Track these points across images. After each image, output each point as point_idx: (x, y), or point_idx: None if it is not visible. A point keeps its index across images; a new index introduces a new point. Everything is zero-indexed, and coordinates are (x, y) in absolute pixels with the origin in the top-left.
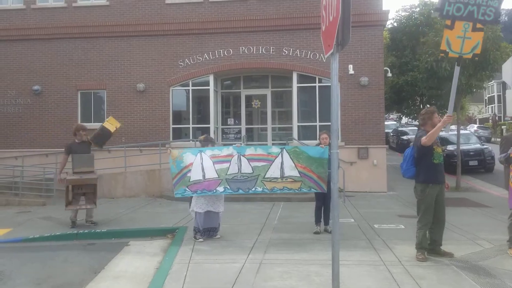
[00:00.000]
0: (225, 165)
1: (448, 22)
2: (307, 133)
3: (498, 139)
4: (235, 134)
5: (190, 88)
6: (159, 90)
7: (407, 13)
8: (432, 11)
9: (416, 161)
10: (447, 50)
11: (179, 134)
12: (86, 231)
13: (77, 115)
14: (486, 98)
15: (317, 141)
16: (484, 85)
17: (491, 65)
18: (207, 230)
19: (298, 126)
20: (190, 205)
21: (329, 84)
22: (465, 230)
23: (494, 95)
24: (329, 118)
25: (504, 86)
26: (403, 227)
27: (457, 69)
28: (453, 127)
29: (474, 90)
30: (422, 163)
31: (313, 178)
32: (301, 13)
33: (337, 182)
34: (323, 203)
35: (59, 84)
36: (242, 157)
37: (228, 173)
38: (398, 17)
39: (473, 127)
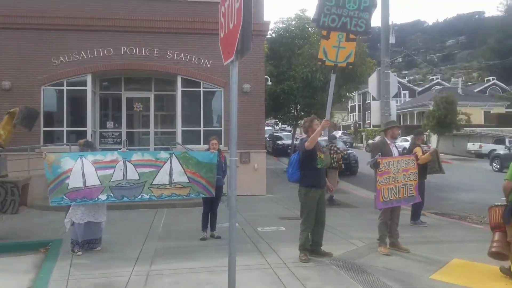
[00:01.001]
0: (109, 171)
1: (324, 33)
2: (191, 137)
3: (359, 144)
4: (114, 138)
5: (65, 88)
6: (28, 89)
7: (284, 25)
8: (307, 24)
9: (301, 165)
10: (324, 59)
11: (51, 138)
12: None
13: None
14: (349, 107)
15: (205, 146)
16: (350, 95)
17: (358, 77)
18: (87, 242)
19: (182, 130)
20: (66, 215)
21: (213, 90)
22: (339, 230)
23: (355, 105)
24: (213, 123)
25: (364, 96)
26: (284, 229)
27: (333, 77)
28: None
29: (343, 99)
30: (306, 168)
31: (202, 183)
32: (187, 17)
33: (235, 189)
34: (210, 208)
35: None
36: (128, 163)
37: (112, 180)
38: (276, 29)
39: (338, 133)
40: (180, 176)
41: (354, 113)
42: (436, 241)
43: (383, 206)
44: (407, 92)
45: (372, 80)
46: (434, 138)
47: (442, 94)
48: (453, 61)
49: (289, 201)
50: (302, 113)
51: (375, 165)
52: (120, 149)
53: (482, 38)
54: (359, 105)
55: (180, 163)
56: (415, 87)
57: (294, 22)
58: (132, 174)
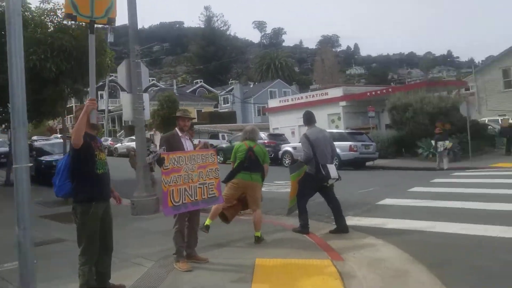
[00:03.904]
0: None
1: None
2: None
3: None
4: None
5: None
6: None
7: None
8: (22, 8)
9: (73, 173)
10: (74, 14)
11: None
12: None
13: None
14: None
15: None
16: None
17: (99, 69)
18: None
19: None
20: None
21: None
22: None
23: (73, 106)
24: None
25: (86, 96)
26: (35, 262)
27: (91, 38)
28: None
29: (81, 95)
30: (81, 175)
31: None
32: None
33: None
34: None
35: None
36: None
37: None
38: None
39: (58, 137)
40: None
41: (72, 115)
42: (223, 242)
43: (172, 212)
44: (125, 93)
45: (121, 70)
46: (158, 136)
47: (164, 93)
48: (160, 65)
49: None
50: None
51: (159, 161)
52: None
53: (185, 45)
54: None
55: None
56: None
57: (4, 3)
58: None
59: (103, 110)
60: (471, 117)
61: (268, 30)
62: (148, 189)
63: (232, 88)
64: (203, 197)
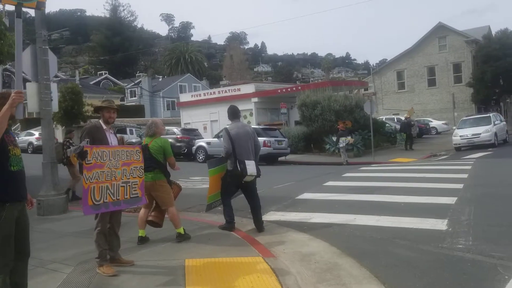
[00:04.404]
0: None
1: None
2: None
3: None
4: None
5: None
6: None
7: None
8: None
9: None
10: None
11: None
12: None
13: None
14: None
15: None
16: None
17: None
18: None
19: None
20: None
21: None
22: None
23: None
24: None
25: None
26: None
27: (18, 22)
28: None
29: None
30: None
31: None
32: None
33: None
34: None
35: None
36: None
37: None
38: None
39: None
40: None
41: None
42: (147, 242)
43: (92, 211)
44: (30, 82)
45: (26, 57)
46: (60, 131)
47: (67, 85)
48: (59, 54)
49: None
50: None
51: (81, 154)
52: None
53: (87, 35)
54: None
55: None
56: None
57: None
58: None
59: None
60: (373, 115)
61: (176, 23)
62: (56, 187)
63: (140, 81)
64: (125, 197)
